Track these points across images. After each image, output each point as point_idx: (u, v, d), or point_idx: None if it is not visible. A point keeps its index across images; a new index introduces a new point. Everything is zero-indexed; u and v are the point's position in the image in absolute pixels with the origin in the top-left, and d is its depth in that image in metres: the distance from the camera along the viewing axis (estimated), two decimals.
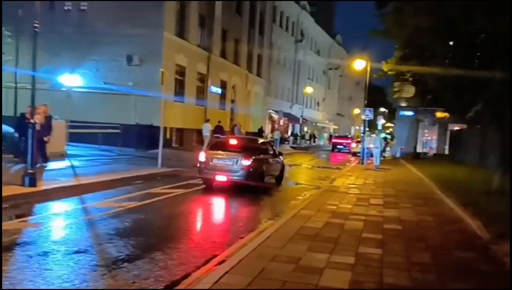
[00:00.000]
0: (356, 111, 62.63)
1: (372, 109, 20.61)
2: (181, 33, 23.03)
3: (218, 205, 9.62)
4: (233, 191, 10.86)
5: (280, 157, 12.98)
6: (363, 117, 20.89)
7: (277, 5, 37.39)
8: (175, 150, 21.58)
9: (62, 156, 14.08)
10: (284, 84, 41.50)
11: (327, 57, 54.01)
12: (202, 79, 25.60)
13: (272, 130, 39.00)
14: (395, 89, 22.86)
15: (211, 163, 10.71)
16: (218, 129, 23.93)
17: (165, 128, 21.60)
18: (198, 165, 11.00)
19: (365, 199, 9.83)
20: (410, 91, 22.43)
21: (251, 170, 10.55)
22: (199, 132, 25.21)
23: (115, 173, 11.39)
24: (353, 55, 30.47)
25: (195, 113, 24.88)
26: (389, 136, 47.41)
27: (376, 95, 68.01)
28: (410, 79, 20.65)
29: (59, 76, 21.00)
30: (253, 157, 10.70)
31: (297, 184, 13.51)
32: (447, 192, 10.71)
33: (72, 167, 12.12)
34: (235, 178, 10.56)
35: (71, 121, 17.09)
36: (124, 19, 20.26)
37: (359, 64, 20.16)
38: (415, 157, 26.10)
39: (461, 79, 13.32)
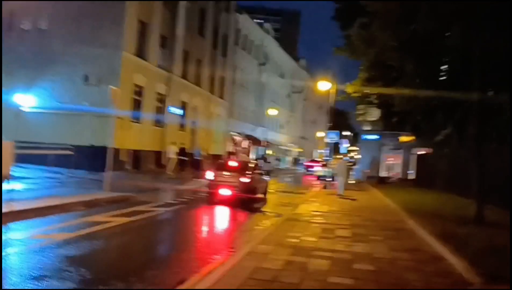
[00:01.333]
0: (319, 134, 63.04)
1: (337, 132, 20.19)
2: (140, 53, 22.02)
3: (161, 237, 8.37)
4: (184, 220, 9.94)
5: (267, 176, 16.41)
6: (327, 140, 20.39)
7: (240, 28, 37.15)
8: (130, 173, 20.18)
9: (5, 178, 12.58)
10: (248, 106, 40.94)
11: (291, 80, 54.31)
12: (162, 99, 24.47)
13: (234, 152, 38.04)
14: (359, 112, 22.60)
15: (217, 180, 13.02)
16: (182, 151, 23.47)
17: (119, 149, 20.36)
18: (207, 181, 13.54)
19: (330, 230, 8.96)
20: (374, 114, 22.23)
21: (249, 186, 12.97)
22: (158, 153, 23.94)
23: (56, 198, 10.05)
24: (317, 78, 30.48)
25: (154, 134, 23.63)
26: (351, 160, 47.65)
27: (339, 118, 69.17)
28: (375, 101, 20.39)
29: (13, 96, 19.73)
30: (250, 176, 13.23)
31: (257, 211, 12.51)
32: (420, 222, 10.01)
33: (9, 191, 10.61)
34: (237, 191, 12.71)
35: (22, 142, 15.80)
36: (83, 39, 19.72)
37: (323, 85, 19.78)
38: (380, 182, 25.82)
39: (431, 100, 13.01)
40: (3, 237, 6.49)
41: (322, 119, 70.20)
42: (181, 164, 23.74)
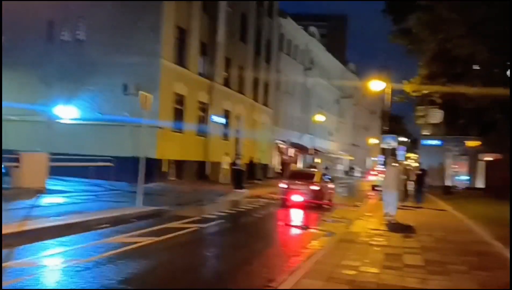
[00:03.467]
0: (372, 140, 59.88)
1: (394, 136, 18.06)
2: (180, 61, 21.36)
3: (185, 263, 6.68)
4: (217, 241, 8.68)
5: (332, 184, 17.22)
6: (383, 145, 18.30)
7: (284, 32, 35.82)
8: (172, 184, 19.40)
9: (39, 191, 12.10)
10: (293, 113, 39.29)
11: (339, 85, 52.03)
12: (204, 108, 23.64)
13: (282, 161, 36.51)
14: (420, 114, 20.09)
15: (289, 187, 14.60)
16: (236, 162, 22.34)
17: (161, 160, 19.70)
18: (280, 189, 15.09)
19: (396, 256, 7.19)
20: (437, 116, 19.73)
21: (318, 193, 14.52)
22: (201, 164, 23.10)
23: (81, 215, 9.26)
24: (368, 81, 28.27)
25: (196, 144, 22.79)
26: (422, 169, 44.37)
27: (394, 123, 65.63)
28: (439, 101, 17.91)
29: (54, 108, 19.83)
30: (319, 184, 14.90)
31: (304, 228, 10.92)
32: (507, 243, 8.00)
33: (33, 206, 9.90)
34: (307, 198, 14.12)
35: (61, 154, 15.66)
36: (121, 48, 19.34)
37: (377, 85, 17.74)
38: (445, 192, 23.07)
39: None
40: None
41: (375, 125, 66.89)
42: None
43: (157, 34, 19.26)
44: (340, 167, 53.26)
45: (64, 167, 15.56)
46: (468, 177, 30.83)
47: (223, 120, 24.98)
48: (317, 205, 14.28)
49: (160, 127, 19.22)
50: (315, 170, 20.73)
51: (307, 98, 41.56)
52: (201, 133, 23.32)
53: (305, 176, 15.57)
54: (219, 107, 24.76)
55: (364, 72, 52.67)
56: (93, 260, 6.18)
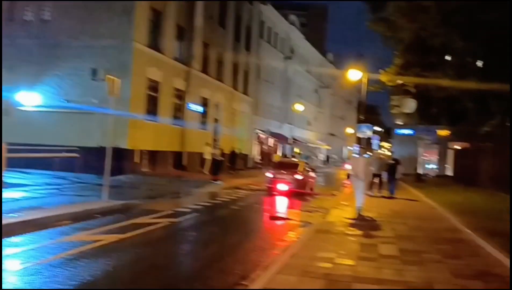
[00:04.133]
0: (349, 130, 60.37)
1: (369, 125, 18.03)
2: (155, 45, 20.56)
3: (151, 262, 6.28)
4: (189, 236, 8.37)
5: (313, 173, 18.00)
6: (359, 134, 18.28)
7: (264, 20, 35.29)
8: (145, 176, 18.81)
9: None
10: (273, 102, 39.01)
11: (318, 75, 52.00)
12: (180, 95, 22.99)
13: (262, 151, 36.33)
14: (394, 103, 20.19)
15: (276, 177, 15.41)
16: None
17: (133, 151, 19.03)
18: (266, 179, 16.06)
19: (371, 247, 7.07)
20: (411, 105, 19.83)
21: (302, 181, 15.49)
22: (177, 154, 22.56)
23: (40, 211, 8.58)
24: (346, 71, 28.11)
25: (172, 133, 22.17)
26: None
27: (369, 113, 66.14)
28: (413, 90, 18.00)
29: (15, 94, 18.63)
30: (302, 173, 15.83)
31: (280, 219, 10.72)
32: (477, 230, 8.02)
33: None
34: (292, 186, 15.07)
35: (22, 144, 14.57)
36: (89, 30, 18.28)
37: (354, 74, 17.65)
38: (417, 180, 23.44)
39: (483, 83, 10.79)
40: None
41: (351, 115, 67.43)
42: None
43: (130, 16, 18.30)
44: (320, 156, 53.57)
45: (25, 158, 14.52)
46: (438, 165, 31.50)
47: (200, 109, 24.42)
48: (300, 193, 15.14)
49: (132, 115, 18.53)
50: (297, 160, 21.23)
51: (287, 87, 41.32)
52: (177, 122, 22.73)
53: (289, 166, 16.51)
54: (197, 95, 24.17)
55: (342, 62, 52.73)
56: (46, 262, 5.65)
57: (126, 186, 15.18)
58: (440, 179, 25.78)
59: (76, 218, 8.58)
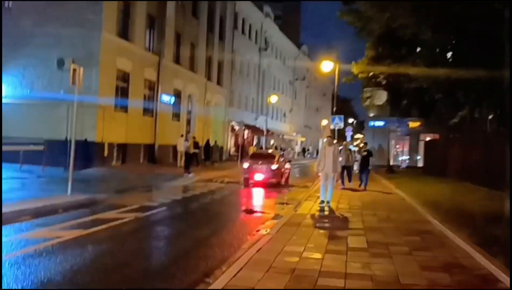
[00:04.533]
0: (324, 122, 60.86)
1: (342, 116, 18.05)
2: (124, 34, 19.98)
3: (113, 261, 5.99)
4: (154, 231, 8.07)
5: (288, 164, 18.51)
6: (331, 126, 18.29)
7: (238, 11, 34.83)
8: (115, 169, 18.30)
9: None
10: (248, 94, 38.76)
11: (293, 67, 51.98)
12: (151, 86, 22.44)
13: (237, 143, 36.06)
14: (366, 95, 20.30)
15: (252, 167, 15.72)
16: (194, 144, 21.96)
17: (103, 143, 18.45)
18: (243, 169, 16.41)
19: (340, 239, 6.99)
20: (382, 97, 19.99)
21: (277, 172, 15.72)
22: (149, 147, 22.07)
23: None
24: (320, 63, 28.00)
25: (143, 125, 21.64)
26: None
27: (343, 105, 66.75)
28: (384, 82, 18.12)
29: None
30: (278, 164, 15.99)
31: (251, 212, 10.54)
32: (446, 221, 8.08)
33: None
34: (268, 177, 15.46)
35: None
36: (56, 18, 17.63)
37: (326, 65, 17.61)
38: (389, 171, 23.77)
39: (452, 74, 10.87)
40: None
41: (326, 107, 67.96)
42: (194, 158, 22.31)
43: (98, 4, 17.71)
44: (295, 148, 53.77)
45: None
46: (410, 157, 32.10)
47: (173, 100, 23.92)
48: (275, 184, 15.66)
49: (101, 107, 17.96)
50: (274, 151, 21.53)
51: (262, 79, 41.12)
52: (149, 114, 22.20)
53: (265, 157, 17.00)
54: (169, 86, 23.66)
55: (317, 54, 52.92)
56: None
57: (95, 180, 14.72)
58: (411, 170, 26.24)
59: (38, 213, 8.19)
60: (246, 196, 14.06)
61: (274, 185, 15.62)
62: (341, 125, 17.18)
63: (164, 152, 23.20)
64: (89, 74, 17.76)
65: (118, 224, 7.97)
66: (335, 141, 11.20)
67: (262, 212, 10.50)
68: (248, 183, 15.67)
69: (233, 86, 34.02)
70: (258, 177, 15.61)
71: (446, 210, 8.91)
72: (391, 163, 27.82)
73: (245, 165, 16.52)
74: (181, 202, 11.74)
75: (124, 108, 20.05)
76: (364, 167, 14.76)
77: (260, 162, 16.07)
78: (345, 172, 14.72)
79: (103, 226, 7.59)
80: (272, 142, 43.63)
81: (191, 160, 19.03)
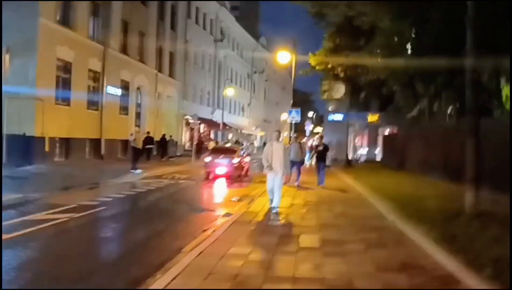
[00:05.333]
0: (284, 116, 60.83)
1: (299, 110, 17.56)
2: (65, 21, 18.41)
3: (33, 270, 5.15)
4: (87, 235, 7.12)
5: (248, 158, 18.81)
6: (288, 120, 17.78)
7: None
8: (57, 166, 16.87)
9: None
10: (204, 87, 37.63)
11: (251, 59, 51.27)
12: (96, 78, 20.96)
13: (192, 138, 34.93)
14: (324, 88, 19.90)
15: (213, 162, 15.95)
16: (147, 139, 21.69)
17: (43, 138, 16.97)
18: (204, 163, 16.69)
19: (292, 238, 6.40)
20: (340, 90, 19.68)
21: (238, 165, 16.17)
22: (95, 141, 20.64)
23: None
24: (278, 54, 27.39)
25: (88, 118, 20.17)
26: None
27: (303, 99, 67.16)
28: (342, 74, 17.77)
29: None
30: (239, 158, 16.46)
31: (199, 210, 9.77)
32: (403, 216, 7.71)
33: None
34: (229, 170, 15.69)
35: None
36: None
37: (283, 56, 17.02)
38: (347, 165, 23.68)
39: (410, 65, 10.59)
40: None
41: (286, 101, 67.94)
42: (147, 153, 21.81)
43: None
44: (254, 143, 53.24)
45: None
46: (369, 150, 32.34)
47: (120, 92, 22.51)
48: (236, 177, 15.89)
49: (40, 99, 16.46)
50: (235, 145, 22.19)
51: (218, 72, 40.08)
52: (94, 107, 20.73)
53: (226, 151, 17.31)
54: (116, 77, 22.21)
55: (276, 47, 52.71)
56: None
57: (32, 177, 13.38)
58: (370, 164, 26.29)
59: None
60: (197, 192, 13.26)
61: (233, 179, 15.57)
62: (298, 119, 16.72)
63: (112, 147, 21.84)
64: (26, 63, 16.31)
65: (46, 227, 7.06)
66: (293, 136, 10.43)
67: (211, 210, 9.78)
68: (209, 177, 15.80)
69: (187, 78, 32.79)
70: (220, 171, 15.81)
71: (404, 205, 8.56)
72: (350, 157, 27.88)
73: (207, 159, 16.72)
74: (124, 200, 10.75)
75: (67, 101, 18.57)
76: (321, 163, 14.00)
77: (221, 156, 16.30)
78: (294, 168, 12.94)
79: (30, 229, 6.70)
80: (230, 136, 42.86)
81: (139, 156, 17.87)
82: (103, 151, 21.09)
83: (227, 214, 8.77)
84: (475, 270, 4.51)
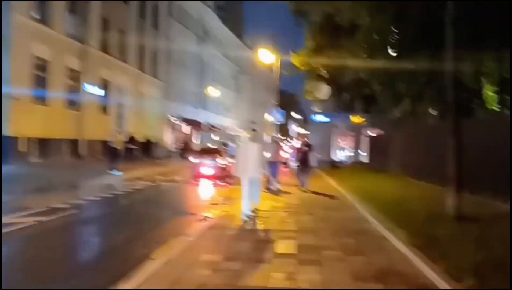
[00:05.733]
0: (269, 117, 60.68)
1: (283, 111, 17.30)
2: (42, 17, 17.83)
3: None
4: (51, 241, 6.65)
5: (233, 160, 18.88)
6: (271, 120, 17.52)
7: None
8: (33, 167, 16.31)
9: None
10: (187, 87, 37.11)
11: (236, 60, 50.86)
12: (75, 76, 20.39)
13: (175, 139, 34.45)
14: (308, 89, 19.64)
15: (200, 163, 16.11)
16: (130, 140, 22.37)
17: (18, 138, 16.39)
18: (191, 164, 16.83)
19: (268, 244, 6.09)
20: (325, 91, 19.46)
21: (223, 167, 16.07)
22: (74, 142, 20.09)
23: None
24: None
25: (66, 118, 19.60)
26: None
27: (289, 100, 66.97)
28: (325, 75, 17.55)
29: None
30: (224, 159, 16.47)
31: (175, 214, 9.40)
32: (385, 220, 7.50)
33: None
34: (215, 171, 15.85)
35: None
36: None
37: (266, 56, 16.69)
38: (332, 166, 23.51)
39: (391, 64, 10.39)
40: None
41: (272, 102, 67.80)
42: (130, 154, 21.81)
43: None
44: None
45: None
46: (354, 152, 32.33)
47: (100, 91, 21.96)
48: (222, 179, 15.65)
49: (15, 98, 15.89)
50: (221, 147, 21.79)
51: (202, 72, 39.58)
52: (73, 106, 20.17)
53: (213, 152, 17.53)
54: (95, 76, 21.66)
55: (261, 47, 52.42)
56: None
57: (5, 178, 12.76)
58: (355, 166, 26.18)
59: None
60: (178, 195, 12.86)
61: (218, 181, 15.45)
62: (282, 120, 16.41)
63: (92, 148, 21.28)
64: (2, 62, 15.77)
65: (10, 232, 6.61)
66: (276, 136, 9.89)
67: (190, 214, 9.40)
68: (196, 178, 15.83)
69: (170, 78, 32.27)
70: (206, 171, 16.00)
71: (386, 208, 8.36)
72: (335, 159, 27.75)
73: (193, 160, 16.95)
74: (98, 203, 10.32)
75: (44, 100, 18.05)
76: (304, 164, 12.98)
77: (208, 157, 16.56)
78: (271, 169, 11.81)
79: None
80: (214, 137, 42.37)
81: (117, 157, 17.38)
82: (82, 151, 20.53)
83: (205, 218, 8.42)
84: (457, 278, 4.29)
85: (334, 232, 6.92)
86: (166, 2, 31.36)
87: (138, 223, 8.27)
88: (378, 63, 11.31)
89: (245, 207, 7.78)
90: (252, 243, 6.14)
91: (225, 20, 47.34)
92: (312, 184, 13.80)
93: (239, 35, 53.72)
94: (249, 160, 7.64)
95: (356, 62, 12.64)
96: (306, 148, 13.36)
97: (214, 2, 45.97)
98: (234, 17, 62.99)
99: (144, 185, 14.23)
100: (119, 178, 15.48)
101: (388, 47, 10.54)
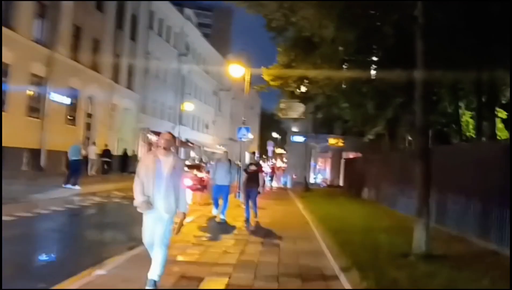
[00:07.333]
0: (250, 136, 59.98)
1: (249, 127, 16.55)
2: (5, 20, 16.85)
3: None
4: None
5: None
6: (238, 137, 16.74)
7: (155, 10, 32.43)
8: None
9: None
10: (165, 101, 36.20)
11: (217, 76, 50.32)
12: (40, 83, 19.34)
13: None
14: (281, 107, 18.88)
15: None
16: (105, 152, 22.86)
17: None
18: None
19: (193, 281, 5.17)
20: (299, 109, 18.73)
21: (202, 178, 18.81)
22: (35, 152, 18.88)
23: None
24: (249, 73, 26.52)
25: (27, 127, 18.45)
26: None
27: (268, 119, 66.64)
28: (297, 92, 16.90)
29: None
30: (203, 173, 19.26)
31: (109, 238, 8.38)
32: (342, 255, 6.67)
33: None
34: (195, 183, 17.93)
35: None
36: None
37: (236, 70, 16.01)
38: (305, 189, 22.71)
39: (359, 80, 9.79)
40: None
41: (254, 120, 67.24)
42: (106, 167, 22.59)
43: None
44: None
45: None
46: (331, 175, 31.67)
47: (67, 100, 20.90)
48: (201, 189, 17.63)
49: None
50: (199, 162, 25.17)
51: (181, 87, 38.77)
52: (35, 114, 19.05)
53: (192, 167, 19.59)
54: (63, 84, 20.61)
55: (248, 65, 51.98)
56: None
57: None
58: (329, 190, 25.47)
59: None
60: (124, 214, 11.69)
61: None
62: (249, 136, 15.68)
63: (55, 159, 20.03)
64: None
65: None
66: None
67: (122, 238, 8.30)
68: None
69: (146, 91, 31.35)
70: (186, 182, 16.12)
71: (347, 240, 7.55)
72: (311, 181, 26.98)
73: None
74: (28, 221, 9.22)
75: (1, 106, 16.87)
76: (252, 189, 10.32)
77: (188, 170, 17.52)
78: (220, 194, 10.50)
79: None
80: (192, 154, 41.44)
81: (78, 171, 16.23)
82: (43, 163, 19.32)
83: (136, 244, 7.34)
84: None
85: (280, 268, 6.04)
86: (146, 14, 30.73)
87: (56, 248, 7.32)
88: (341, 78, 10.67)
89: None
90: (176, 279, 5.21)
91: (209, 37, 47.02)
92: (279, 206, 12.94)
93: (225, 53, 53.39)
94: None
95: (322, 78, 11.98)
96: (254, 168, 10.46)
97: (198, 18, 45.70)
98: (220, 34, 62.71)
99: (94, 201, 13.20)
100: (71, 193, 14.36)
101: (357, 63, 9.95)
